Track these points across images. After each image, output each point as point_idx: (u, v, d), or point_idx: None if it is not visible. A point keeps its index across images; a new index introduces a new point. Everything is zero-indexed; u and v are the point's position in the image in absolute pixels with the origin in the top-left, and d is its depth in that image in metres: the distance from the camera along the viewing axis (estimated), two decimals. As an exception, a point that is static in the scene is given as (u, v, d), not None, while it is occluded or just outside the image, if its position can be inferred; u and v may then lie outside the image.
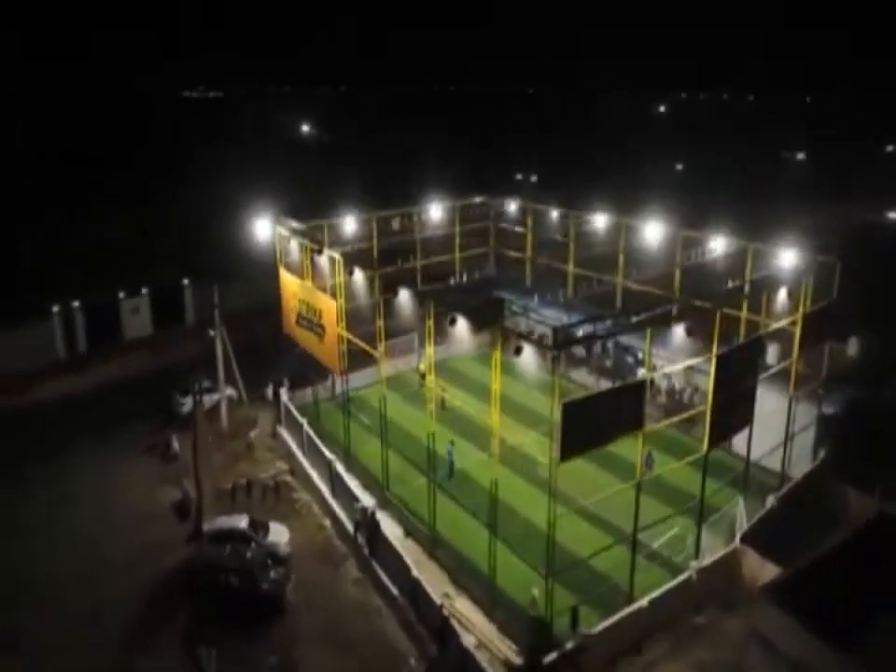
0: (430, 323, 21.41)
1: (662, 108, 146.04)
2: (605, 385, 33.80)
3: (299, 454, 30.58)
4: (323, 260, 27.36)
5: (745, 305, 27.17)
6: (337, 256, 26.03)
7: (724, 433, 21.93)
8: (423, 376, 34.58)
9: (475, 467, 27.64)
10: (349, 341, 27.16)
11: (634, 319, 19.21)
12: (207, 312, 37.61)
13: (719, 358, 20.60)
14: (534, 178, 69.24)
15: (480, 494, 24.06)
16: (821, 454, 27.58)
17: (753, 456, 26.88)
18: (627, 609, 20.09)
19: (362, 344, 26.49)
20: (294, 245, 29.37)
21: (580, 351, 37.04)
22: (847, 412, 28.72)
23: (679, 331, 20.12)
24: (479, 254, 38.74)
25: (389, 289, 24.82)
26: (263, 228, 29.93)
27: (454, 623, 20.54)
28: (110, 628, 21.82)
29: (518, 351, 17.97)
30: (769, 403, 26.51)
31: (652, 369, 21.74)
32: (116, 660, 20.71)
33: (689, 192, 59.19)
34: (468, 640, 20.04)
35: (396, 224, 33.72)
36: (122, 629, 21.84)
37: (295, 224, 29.11)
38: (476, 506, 23.94)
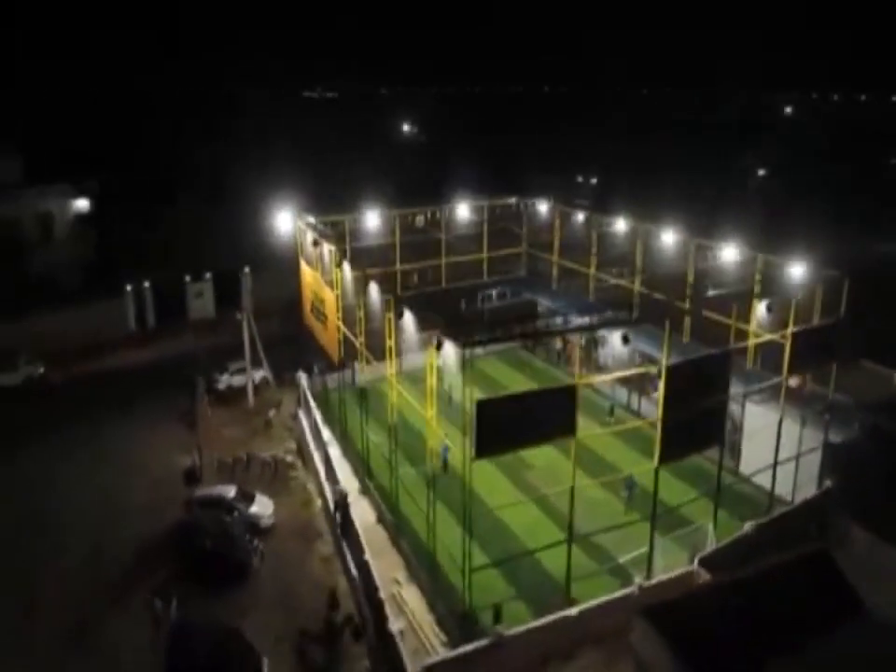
0: (390, 316, 22.18)
1: (788, 109, 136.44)
2: (621, 391, 33.16)
3: (308, 435, 32.39)
4: (325, 254, 28.81)
5: (755, 315, 25.93)
6: (332, 248, 27.41)
7: (679, 450, 21.04)
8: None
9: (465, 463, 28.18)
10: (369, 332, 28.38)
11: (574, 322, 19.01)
12: (264, 298, 40.87)
13: (670, 370, 19.89)
14: (594, 181, 67.33)
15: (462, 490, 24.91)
16: (827, 482, 25.71)
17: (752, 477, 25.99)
18: (552, 616, 19.97)
19: (351, 336, 27.68)
20: (309, 238, 31.12)
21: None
22: (868, 441, 26.50)
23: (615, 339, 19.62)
24: (510, 254, 38.99)
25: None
26: (285, 221, 31.90)
27: (387, 608, 21.28)
28: (100, 570, 24.59)
29: (439, 346, 18.45)
30: (773, 424, 25.23)
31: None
32: (95, 598, 23.30)
33: (759, 199, 55.48)
34: (395, 626, 20.72)
35: (420, 221, 34.62)
36: (109, 573, 24.46)
37: (310, 218, 30.84)
38: (456, 501, 24.71)
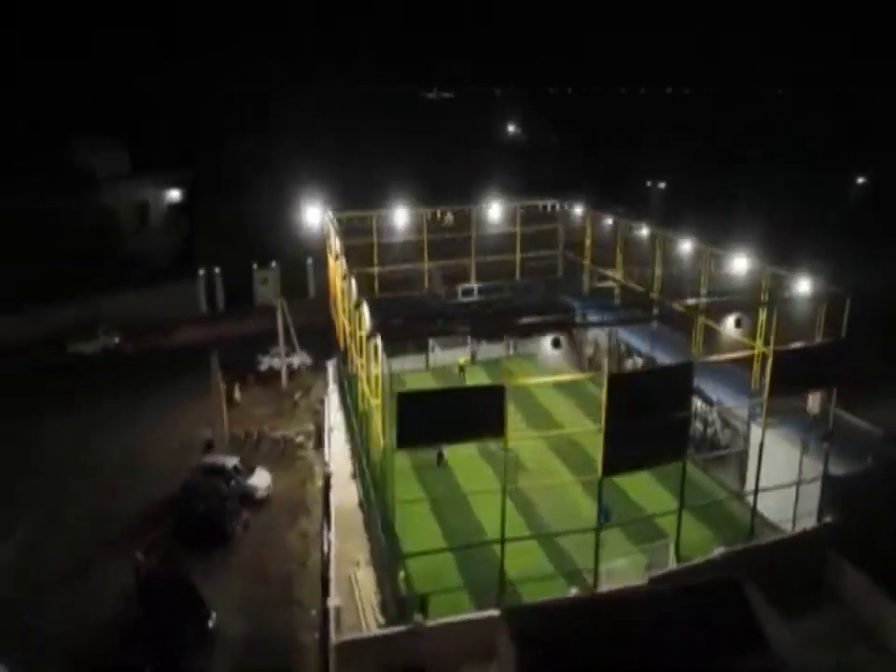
0: (364, 314, 23.04)
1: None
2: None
3: (326, 419, 34.06)
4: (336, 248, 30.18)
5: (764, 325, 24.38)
6: (339, 243, 28.70)
7: (622, 465, 20.23)
8: (462, 369, 36.09)
9: (460, 459, 28.64)
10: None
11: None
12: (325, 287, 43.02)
13: (612, 379, 19.27)
14: (661, 185, 63.70)
15: (451, 483, 26.57)
16: (826, 518, 23.60)
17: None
18: (476, 614, 20.01)
19: (343, 326, 28.84)
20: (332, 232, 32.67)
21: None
22: (881, 475, 24.02)
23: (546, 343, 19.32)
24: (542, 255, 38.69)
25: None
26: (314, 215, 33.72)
27: (332, 586, 22.20)
28: (108, 521, 27.40)
29: (370, 336, 19.12)
30: (776, 448, 23.62)
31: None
32: (91, 544, 26.03)
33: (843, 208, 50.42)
34: (332, 603, 21.60)
35: (448, 218, 35.11)
36: (112, 525, 27.19)
37: (330, 212, 32.39)
38: (441, 494, 26.00)
